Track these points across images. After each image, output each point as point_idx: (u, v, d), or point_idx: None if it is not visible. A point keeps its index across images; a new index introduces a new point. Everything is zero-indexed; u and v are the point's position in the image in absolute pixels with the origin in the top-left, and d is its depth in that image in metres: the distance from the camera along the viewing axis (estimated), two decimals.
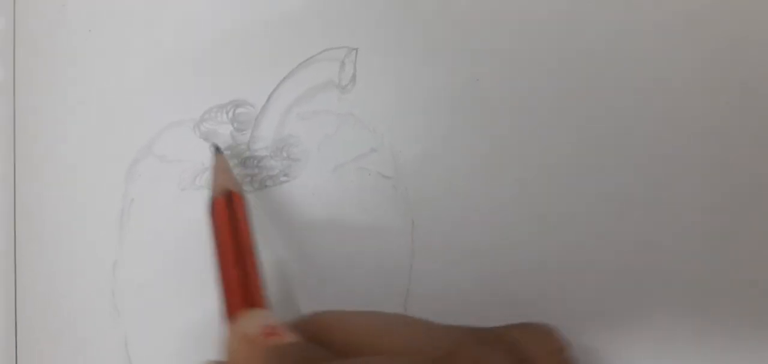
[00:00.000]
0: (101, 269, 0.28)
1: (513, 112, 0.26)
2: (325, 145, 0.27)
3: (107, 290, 0.28)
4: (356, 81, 0.27)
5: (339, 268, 0.27)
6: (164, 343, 0.28)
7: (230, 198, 0.24)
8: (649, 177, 0.26)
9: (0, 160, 0.30)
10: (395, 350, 0.19)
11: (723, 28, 0.26)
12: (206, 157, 0.28)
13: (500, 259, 0.26)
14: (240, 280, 0.22)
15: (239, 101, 0.28)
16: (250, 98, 0.28)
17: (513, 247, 0.26)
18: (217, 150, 0.27)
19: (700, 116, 0.26)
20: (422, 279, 0.27)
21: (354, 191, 0.27)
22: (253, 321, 0.20)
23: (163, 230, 0.28)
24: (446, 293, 0.26)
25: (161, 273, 0.28)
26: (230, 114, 0.28)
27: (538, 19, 0.26)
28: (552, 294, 0.26)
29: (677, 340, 0.26)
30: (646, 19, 0.26)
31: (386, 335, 0.20)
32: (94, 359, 0.28)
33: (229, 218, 0.24)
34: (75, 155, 0.29)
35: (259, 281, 0.23)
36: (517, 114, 0.26)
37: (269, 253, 0.27)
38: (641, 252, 0.26)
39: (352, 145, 0.27)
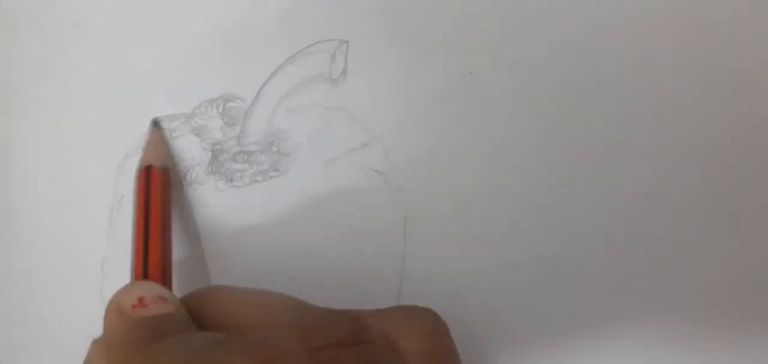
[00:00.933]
0: (90, 267, 0.28)
1: (506, 106, 0.26)
2: (315, 140, 0.27)
3: (96, 288, 0.28)
4: (347, 74, 0.27)
5: (330, 263, 0.27)
6: None
7: (149, 172, 0.25)
8: (645, 173, 0.25)
9: None
10: (253, 325, 0.20)
11: (725, 24, 0.25)
12: (198, 153, 0.28)
13: (494, 254, 0.26)
14: (142, 253, 0.23)
15: (229, 96, 0.27)
16: (240, 92, 0.27)
17: (506, 242, 0.26)
18: (155, 124, 0.27)
19: (699, 113, 0.25)
20: (414, 274, 0.26)
21: (345, 185, 0.27)
22: (131, 292, 0.21)
23: None
24: (438, 288, 0.26)
25: None
26: (220, 108, 0.27)
27: (532, 12, 0.26)
28: (546, 290, 0.26)
29: (673, 340, 0.25)
30: (644, 12, 0.26)
31: (252, 311, 0.21)
32: (82, 357, 0.28)
33: (144, 191, 0.24)
34: (63, 152, 0.28)
35: (161, 256, 0.23)
36: (510, 108, 0.26)
37: (258, 248, 0.27)
38: (638, 249, 0.26)
39: (343, 140, 0.27)
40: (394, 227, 0.26)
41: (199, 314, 0.21)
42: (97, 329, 0.27)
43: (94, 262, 0.28)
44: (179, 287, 0.25)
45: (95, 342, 0.20)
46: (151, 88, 0.28)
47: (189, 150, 0.27)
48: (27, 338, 0.29)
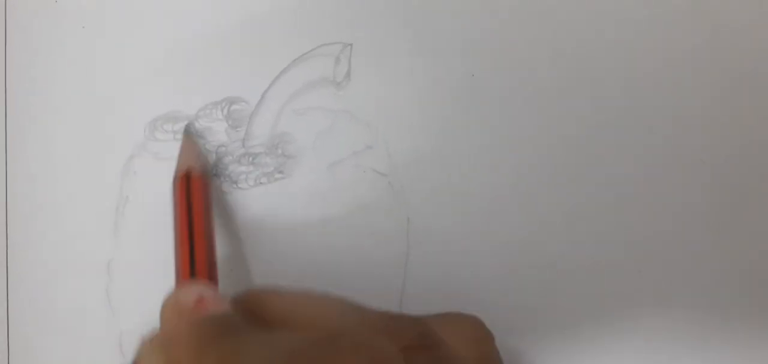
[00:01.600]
0: (96, 268, 0.28)
1: (509, 108, 0.26)
2: (320, 142, 0.27)
3: (102, 289, 0.28)
4: (351, 77, 0.27)
5: (334, 265, 0.27)
6: None
7: (189, 177, 0.25)
8: (646, 174, 0.26)
9: None
10: (314, 326, 0.20)
11: (723, 23, 0.26)
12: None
13: (496, 256, 0.26)
14: (188, 255, 0.23)
15: (234, 98, 0.28)
16: (245, 95, 0.28)
17: (509, 243, 0.26)
18: (187, 130, 0.27)
19: (697, 115, 0.26)
20: (418, 276, 0.26)
21: (349, 187, 0.27)
22: (189, 292, 0.20)
23: (158, 229, 0.28)
24: (442, 290, 0.26)
25: (156, 272, 0.27)
26: (225, 111, 0.28)
27: (533, 14, 0.26)
28: (548, 290, 0.26)
29: (672, 339, 0.26)
30: (645, 12, 0.26)
31: (310, 311, 0.20)
32: (89, 359, 0.28)
33: (185, 196, 0.24)
34: (69, 153, 0.29)
35: (207, 257, 0.23)
36: (512, 110, 0.26)
37: (263, 250, 0.27)
38: (638, 249, 0.26)
39: (348, 142, 0.27)
40: (398, 229, 0.27)
41: (250, 315, 0.20)
42: (104, 331, 0.28)
43: (100, 263, 0.28)
44: None
45: (147, 339, 0.20)
46: (155, 91, 0.28)
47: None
48: (35, 339, 0.29)
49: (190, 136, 0.27)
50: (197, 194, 0.24)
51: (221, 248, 0.27)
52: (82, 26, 0.29)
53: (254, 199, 0.27)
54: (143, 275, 0.28)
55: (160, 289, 0.27)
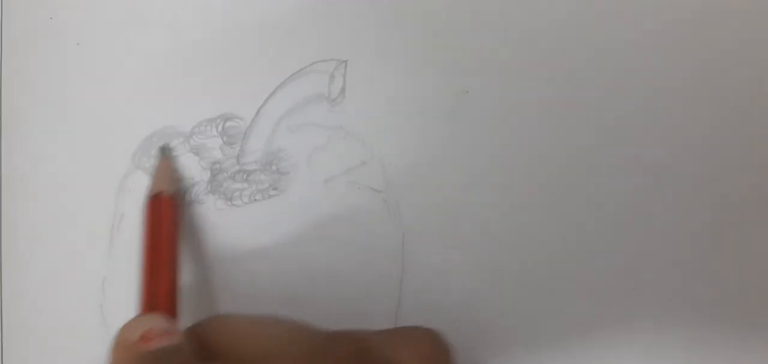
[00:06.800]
0: (91, 285, 0.28)
1: (503, 124, 0.26)
2: (314, 159, 0.27)
3: (96, 306, 0.28)
4: (346, 94, 0.27)
5: (329, 282, 0.27)
6: None
7: (158, 200, 0.25)
8: (640, 190, 0.26)
9: None
10: (258, 354, 0.20)
11: (715, 37, 0.26)
12: (197, 171, 0.28)
13: (491, 272, 0.26)
14: (148, 283, 0.23)
15: (228, 115, 0.28)
16: (240, 112, 0.28)
17: (504, 259, 0.26)
18: (163, 151, 0.27)
19: (693, 125, 0.26)
20: (413, 293, 0.26)
21: (344, 204, 0.27)
22: (137, 326, 0.21)
23: None
24: (437, 306, 0.26)
25: None
26: (220, 128, 0.28)
27: (527, 31, 0.26)
28: (544, 308, 0.26)
29: (666, 356, 0.26)
30: (637, 28, 0.26)
31: (259, 339, 0.21)
32: None
33: (154, 218, 0.24)
34: (64, 171, 0.29)
35: (168, 286, 0.23)
36: (507, 126, 0.26)
37: (260, 266, 0.27)
38: (633, 267, 0.26)
39: (342, 159, 0.27)
40: (393, 245, 0.27)
41: (206, 344, 0.21)
42: (99, 349, 0.28)
43: (95, 280, 0.28)
44: (182, 310, 0.26)
45: None
46: (150, 108, 0.28)
47: (188, 169, 0.28)
48: (30, 356, 0.29)
49: (166, 158, 0.27)
50: (166, 218, 0.24)
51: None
52: (76, 43, 0.29)
53: (249, 216, 0.27)
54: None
55: None
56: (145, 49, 0.28)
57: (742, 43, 0.26)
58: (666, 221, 0.26)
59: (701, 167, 0.26)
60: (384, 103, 0.27)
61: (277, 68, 0.27)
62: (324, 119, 0.27)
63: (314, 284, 0.27)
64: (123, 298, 0.28)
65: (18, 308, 0.29)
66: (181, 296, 0.24)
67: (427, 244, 0.26)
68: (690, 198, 0.26)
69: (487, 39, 0.26)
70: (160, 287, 0.23)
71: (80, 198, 0.28)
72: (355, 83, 0.27)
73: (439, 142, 0.27)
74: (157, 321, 0.21)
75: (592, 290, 0.26)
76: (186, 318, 0.24)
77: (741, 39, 0.26)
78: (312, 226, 0.27)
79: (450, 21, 0.27)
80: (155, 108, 0.28)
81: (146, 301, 0.23)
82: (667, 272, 0.26)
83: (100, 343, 0.28)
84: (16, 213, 0.29)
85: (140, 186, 0.28)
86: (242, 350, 0.20)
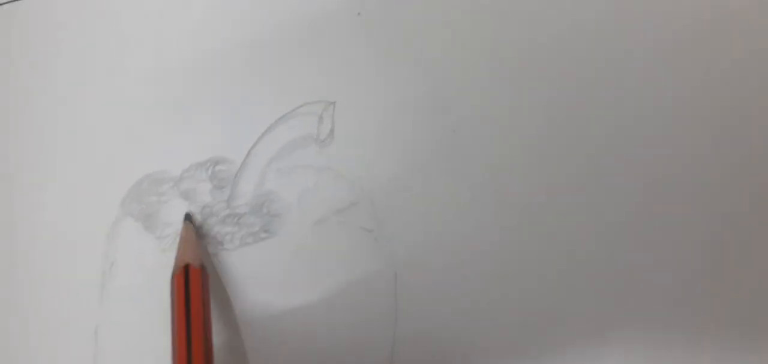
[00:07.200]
0: (83, 334, 0.28)
1: (491, 161, 0.27)
2: (304, 200, 0.27)
3: (89, 356, 0.28)
4: (334, 135, 0.27)
5: (322, 323, 0.27)
6: None
7: (187, 272, 0.25)
8: (634, 217, 0.26)
9: None
10: None
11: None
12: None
13: (485, 307, 0.26)
14: (185, 350, 0.23)
15: (218, 158, 0.28)
16: (229, 155, 0.28)
17: (496, 295, 0.26)
18: (187, 218, 0.27)
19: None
20: (407, 330, 0.26)
21: (335, 245, 0.27)
22: None
23: (145, 292, 0.28)
24: (432, 344, 0.26)
25: (143, 336, 0.27)
26: (209, 171, 0.28)
27: (515, 70, 0.27)
28: (540, 343, 0.26)
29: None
30: (628, 60, 0.26)
31: None
32: None
33: (184, 292, 0.24)
34: (54, 218, 0.28)
35: (204, 352, 0.24)
36: (495, 163, 0.27)
37: (250, 310, 0.27)
38: (629, 299, 0.26)
39: (332, 199, 0.27)
40: (385, 283, 0.27)
41: None
42: None
43: (88, 329, 0.28)
44: None
45: None
46: (139, 153, 0.28)
47: (177, 215, 0.28)
48: None
49: (189, 228, 0.27)
50: (196, 290, 0.24)
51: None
52: (66, 88, 0.29)
53: (240, 259, 0.27)
54: (131, 339, 0.27)
55: (148, 354, 0.27)
56: (133, 93, 0.28)
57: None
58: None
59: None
60: (373, 143, 0.27)
61: (266, 111, 0.28)
62: (313, 161, 0.27)
63: (307, 327, 0.27)
64: (115, 346, 0.28)
65: (11, 361, 0.28)
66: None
67: (420, 282, 0.26)
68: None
69: (474, 79, 0.27)
70: (196, 354, 0.23)
71: (70, 246, 0.28)
72: (344, 124, 0.27)
73: (428, 180, 0.27)
74: None
75: (588, 326, 0.26)
76: None
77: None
78: (304, 268, 0.27)
79: (437, 61, 0.27)
80: (144, 153, 0.28)
81: None
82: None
83: None
84: (6, 263, 0.29)
85: (130, 233, 0.28)
86: None
